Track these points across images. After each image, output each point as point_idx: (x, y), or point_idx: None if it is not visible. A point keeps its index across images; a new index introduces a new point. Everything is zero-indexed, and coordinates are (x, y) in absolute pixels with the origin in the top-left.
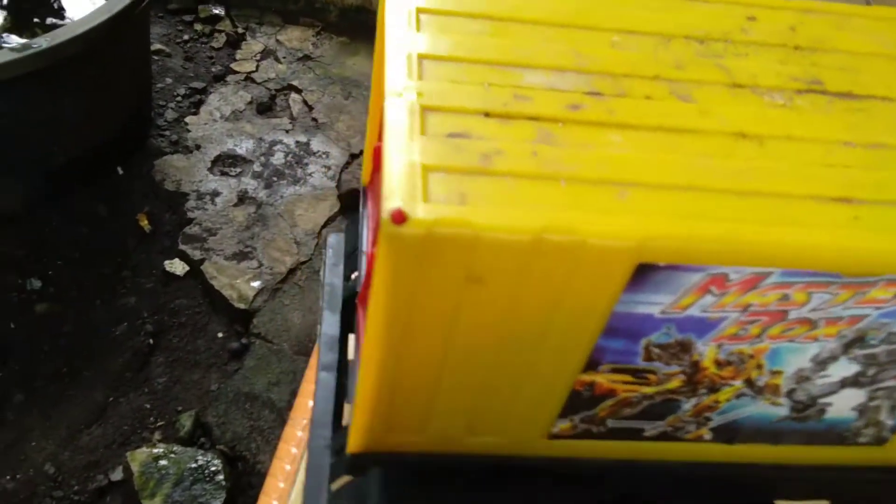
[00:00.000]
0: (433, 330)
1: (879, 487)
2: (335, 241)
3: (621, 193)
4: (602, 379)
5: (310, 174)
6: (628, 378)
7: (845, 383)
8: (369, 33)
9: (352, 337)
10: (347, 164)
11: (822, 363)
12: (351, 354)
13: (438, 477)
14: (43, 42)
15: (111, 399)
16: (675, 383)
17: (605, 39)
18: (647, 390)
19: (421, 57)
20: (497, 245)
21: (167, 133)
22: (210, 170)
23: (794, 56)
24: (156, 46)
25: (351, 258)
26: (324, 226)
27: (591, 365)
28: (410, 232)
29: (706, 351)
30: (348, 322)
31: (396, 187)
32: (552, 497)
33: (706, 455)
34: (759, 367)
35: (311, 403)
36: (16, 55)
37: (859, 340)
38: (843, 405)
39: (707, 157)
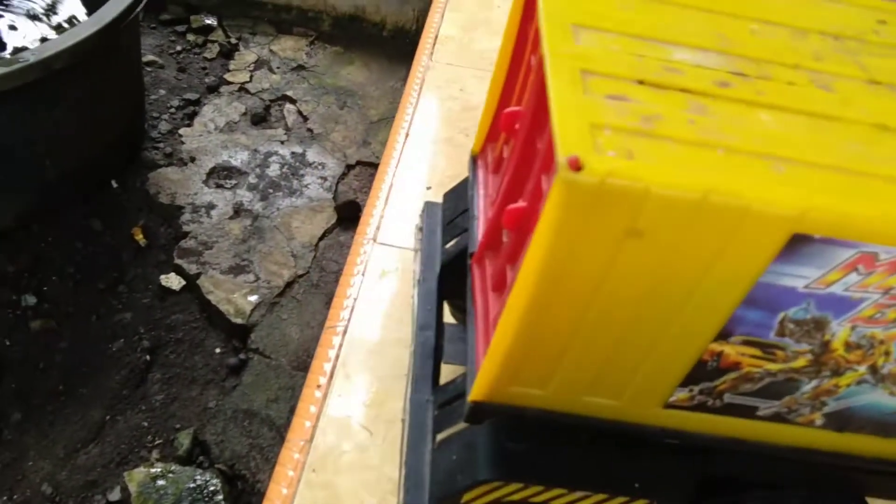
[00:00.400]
0: (584, 282)
1: None
2: (431, 211)
3: (777, 167)
4: (731, 350)
5: (306, 185)
6: (757, 352)
7: None
8: (363, 42)
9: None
10: (344, 174)
11: None
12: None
13: (551, 434)
14: (30, 56)
15: (108, 417)
16: (801, 362)
17: (745, 26)
18: (773, 367)
19: (576, 25)
20: (665, 200)
21: (161, 145)
22: (205, 182)
23: None
24: (148, 58)
25: (449, 227)
26: (321, 238)
27: (724, 335)
28: (586, 179)
29: (839, 332)
30: (445, 287)
31: (569, 139)
32: (661, 467)
33: (813, 441)
34: (888, 353)
35: (408, 361)
36: (4, 69)
37: None
38: None
39: (853, 142)
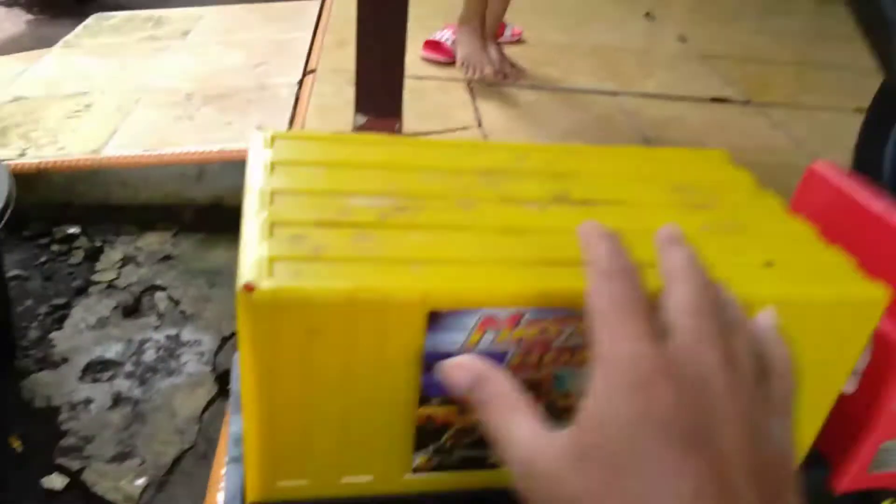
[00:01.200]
0: (291, 378)
1: None
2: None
3: (414, 267)
4: (436, 411)
5: (184, 364)
6: (454, 408)
7: None
8: (225, 227)
9: None
10: (220, 346)
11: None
12: None
13: None
14: None
15: None
16: None
17: (413, 177)
18: (472, 418)
19: (273, 192)
20: (324, 301)
21: (32, 352)
22: (80, 379)
23: (551, 180)
24: (13, 273)
25: None
26: (204, 409)
27: (424, 400)
28: (258, 297)
29: None
30: None
31: (248, 270)
32: None
33: None
34: (550, 391)
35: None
36: None
37: None
38: None
39: (476, 243)
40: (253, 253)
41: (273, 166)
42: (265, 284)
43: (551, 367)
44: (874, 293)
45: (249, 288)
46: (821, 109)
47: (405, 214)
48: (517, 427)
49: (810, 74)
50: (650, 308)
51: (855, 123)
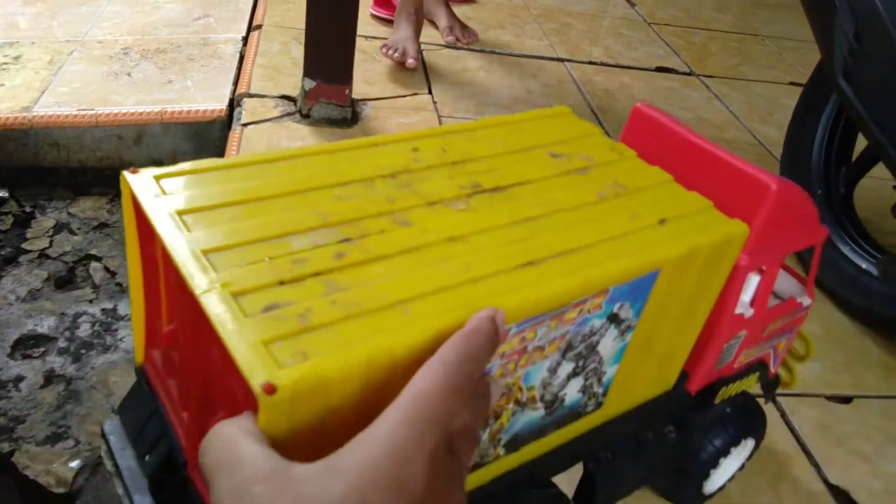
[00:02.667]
0: (307, 456)
1: (607, 436)
2: (112, 428)
3: (405, 310)
4: None
5: (120, 339)
6: None
7: (569, 377)
8: None
9: None
10: None
11: (553, 370)
12: None
13: None
14: None
15: None
16: None
17: (331, 195)
18: None
19: (205, 252)
20: (341, 378)
21: None
22: (10, 356)
23: (455, 172)
24: None
25: (141, 437)
26: None
27: None
28: (283, 396)
29: None
30: (161, 499)
31: (253, 366)
32: None
33: (504, 467)
34: (520, 389)
35: None
36: None
37: (569, 347)
38: (572, 392)
39: (440, 262)
40: (240, 341)
41: (182, 218)
42: (284, 379)
43: (523, 369)
44: (738, 229)
45: (271, 389)
46: (758, 82)
47: (356, 248)
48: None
49: (750, 45)
50: None
51: (789, 96)
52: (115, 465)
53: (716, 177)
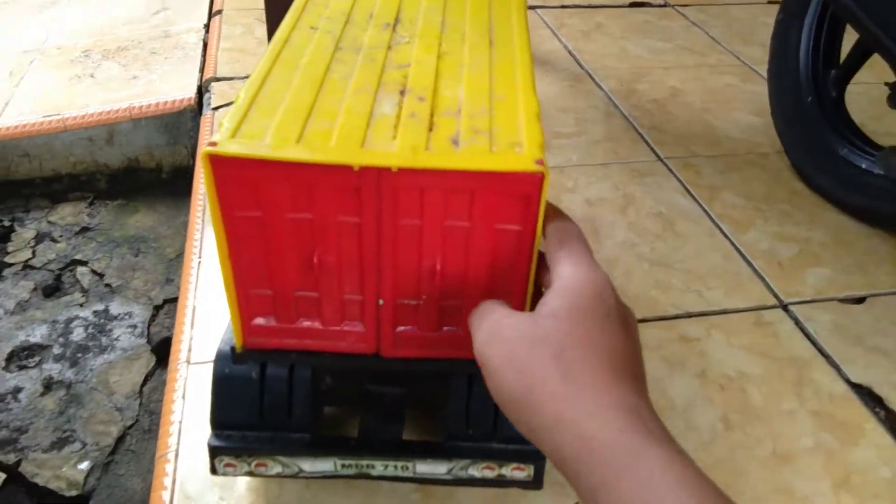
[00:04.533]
0: None
1: None
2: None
3: None
4: None
5: (116, 339)
6: None
7: None
8: (144, 190)
9: None
10: (153, 316)
11: None
12: None
13: None
14: None
15: None
16: None
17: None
18: None
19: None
20: None
21: None
22: (5, 369)
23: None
24: None
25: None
26: (143, 383)
27: None
28: None
29: None
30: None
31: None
32: None
33: None
34: None
35: None
36: None
37: None
38: None
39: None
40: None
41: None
42: None
43: None
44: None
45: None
46: (734, 5)
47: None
48: (492, 304)
49: None
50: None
51: (768, 14)
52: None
53: None
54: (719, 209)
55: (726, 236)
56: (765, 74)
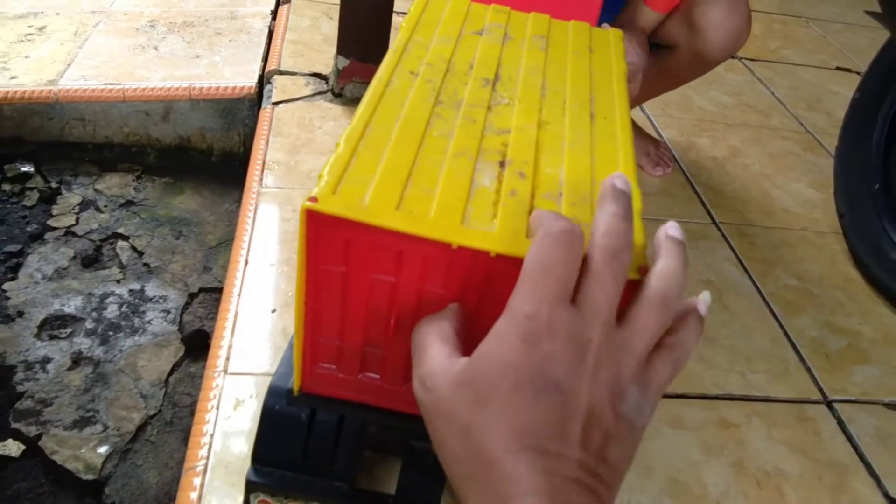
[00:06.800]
0: None
1: None
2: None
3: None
4: None
5: (148, 322)
6: None
7: None
8: (192, 171)
9: None
10: (187, 304)
11: None
12: None
13: None
14: None
15: None
16: None
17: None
18: None
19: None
20: None
21: None
22: (37, 336)
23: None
24: None
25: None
26: (170, 373)
27: None
28: None
29: None
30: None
31: None
32: None
33: None
34: None
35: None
36: None
37: None
38: None
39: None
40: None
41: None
42: None
43: None
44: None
45: None
46: (803, 66)
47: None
48: (431, 347)
49: (793, 27)
50: (574, 274)
51: (836, 82)
52: None
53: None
54: (771, 287)
55: (776, 318)
56: (827, 145)
